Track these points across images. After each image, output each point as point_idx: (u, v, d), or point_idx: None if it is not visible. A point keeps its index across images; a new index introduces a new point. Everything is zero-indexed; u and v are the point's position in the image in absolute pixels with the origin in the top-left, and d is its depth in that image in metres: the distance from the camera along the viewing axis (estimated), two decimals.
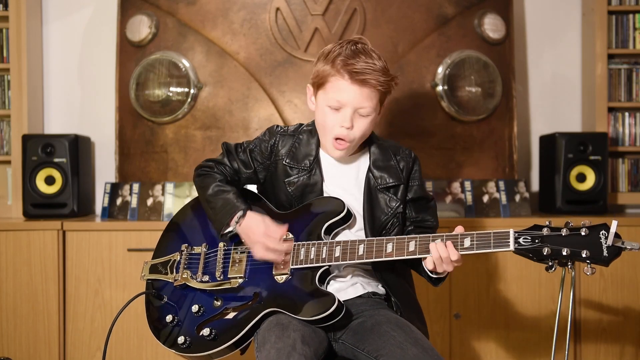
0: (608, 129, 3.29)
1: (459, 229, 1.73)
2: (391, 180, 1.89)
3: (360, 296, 1.87)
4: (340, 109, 1.80)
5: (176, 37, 3.07)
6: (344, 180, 1.91)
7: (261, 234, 1.80)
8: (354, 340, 1.79)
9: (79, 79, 3.44)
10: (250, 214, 1.84)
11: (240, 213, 1.83)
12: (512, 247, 1.61)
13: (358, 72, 1.77)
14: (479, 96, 3.06)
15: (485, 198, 3.05)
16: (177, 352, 1.81)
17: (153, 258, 1.98)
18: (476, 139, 3.09)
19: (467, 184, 3.04)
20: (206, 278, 1.85)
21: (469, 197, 3.02)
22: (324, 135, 1.87)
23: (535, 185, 3.42)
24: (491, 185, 3.07)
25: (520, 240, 1.62)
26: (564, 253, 1.59)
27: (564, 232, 1.60)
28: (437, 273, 1.76)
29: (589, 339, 2.86)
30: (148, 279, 1.94)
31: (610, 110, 3.33)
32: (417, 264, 1.84)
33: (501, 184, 3.07)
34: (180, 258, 1.91)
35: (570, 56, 3.47)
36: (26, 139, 3.05)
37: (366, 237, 1.85)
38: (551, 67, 3.47)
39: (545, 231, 1.61)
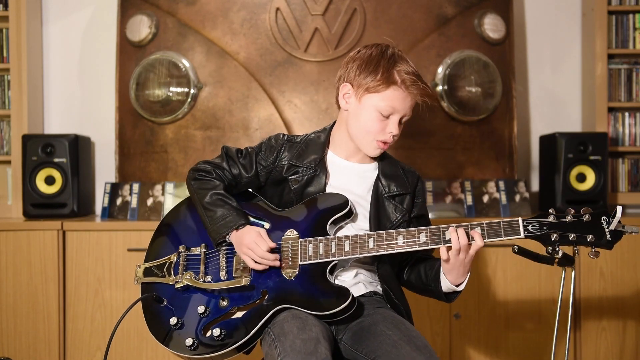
0: (608, 129, 3.29)
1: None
2: (399, 189, 1.91)
3: (362, 295, 1.88)
4: (390, 116, 1.85)
5: (176, 37, 3.07)
6: (350, 183, 1.92)
7: (251, 241, 1.79)
8: (352, 342, 1.80)
9: (79, 79, 3.44)
10: (248, 227, 1.83)
11: (240, 228, 1.83)
12: (522, 234, 1.68)
13: (414, 84, 1.84)
14: (479, 96, 3.06)
15: (485, 198, 3.05)
16: (185, 355, 1.79)
17: (146, 261, 1.95)
18: (476, 139, 3.09)
19: (467, 184, 3.04)
20: (209, 278, 1.84)
21: (469, 197, 3.02)
22: (365, 137, 1.88)
23: (535, 185, 3.41)
24: (491, 185, 3.07)
25: (529, 227, 1.69)
26: (571, 238, 1.68)
27: (568, 218, 1.69)
28: (448, 288, 1.80)
29: (589, 339, 2.87)
30: (143, 283, 1.92)
31: (610, 110, 3.33)
32: (430, 283, 1.86)
33: (501, 184, 3.07)
34: (179, 259, 1.89)
35: (570, 56, 3.47)
36: (26, 139, 3.05)
37: None
38: (551, 67, 3.47)
39: (551, 218, 1.69)
